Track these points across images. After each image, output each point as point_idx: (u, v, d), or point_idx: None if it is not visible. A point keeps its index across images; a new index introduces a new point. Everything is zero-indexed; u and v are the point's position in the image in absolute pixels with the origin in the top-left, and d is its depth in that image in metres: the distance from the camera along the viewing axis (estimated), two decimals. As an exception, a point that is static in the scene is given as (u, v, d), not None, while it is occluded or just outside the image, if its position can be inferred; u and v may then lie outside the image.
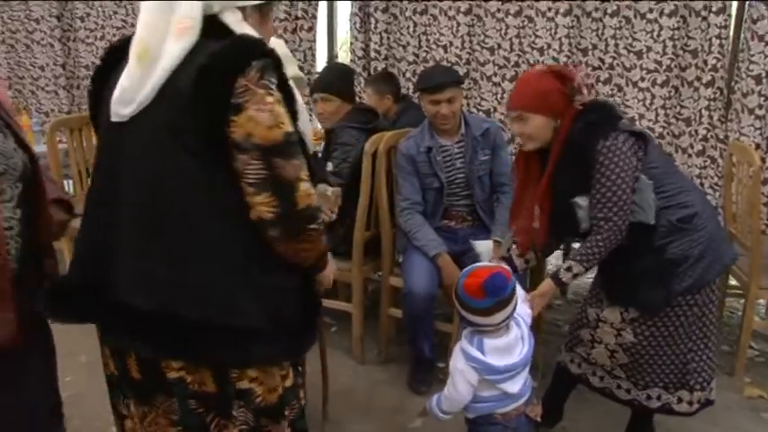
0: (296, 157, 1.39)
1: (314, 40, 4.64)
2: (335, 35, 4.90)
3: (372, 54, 4.37)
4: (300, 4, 4.49)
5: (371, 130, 3.24)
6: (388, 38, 4.34)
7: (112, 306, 1.44)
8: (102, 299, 1.45)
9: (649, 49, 3.66)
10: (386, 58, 4.36)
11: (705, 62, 3.55)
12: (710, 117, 3.57)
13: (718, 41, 3.48)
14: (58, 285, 1.60)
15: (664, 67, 3.65)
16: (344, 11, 4.69)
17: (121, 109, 1.41)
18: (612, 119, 2.25)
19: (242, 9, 1.49)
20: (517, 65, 4.01)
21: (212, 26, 1.41)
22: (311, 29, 4.59)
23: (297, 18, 4.55)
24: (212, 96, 1.34)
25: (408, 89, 4.30)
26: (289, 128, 1.38)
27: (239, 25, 1.45)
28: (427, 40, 4.24)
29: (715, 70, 3.51)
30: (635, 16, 3.66)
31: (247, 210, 1.39)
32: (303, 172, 1.40)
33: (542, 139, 2.30)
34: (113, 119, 1.43)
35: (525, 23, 3.93)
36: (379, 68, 4.34)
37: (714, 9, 3.46)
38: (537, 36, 3.90)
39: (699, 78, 3.59)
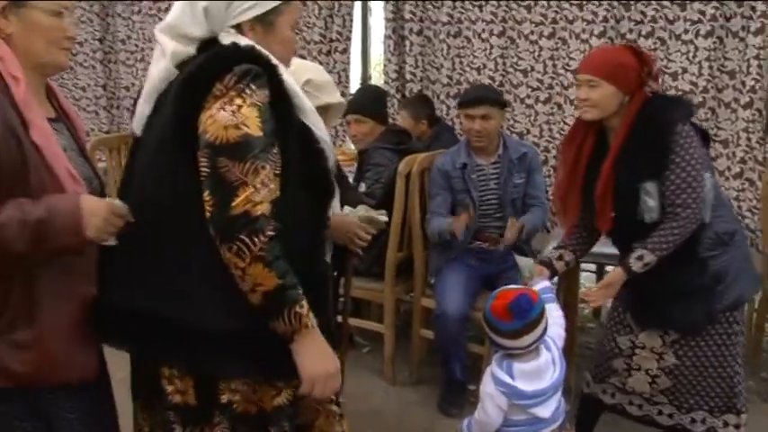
0: (248, 160, 1.33)
1: (348, 62, 4.69)
2: (369, 57, 4.95)
3: (407, 76, 4.39)
4: (335, 27, 4.55)
5: (404, 152, 3.27)
6: (422, 60, 4.37)
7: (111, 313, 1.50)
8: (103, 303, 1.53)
9: (685, 70, 3.63)
10: (420, 80, 4.39)
11: (743, 83, 3.50)
12: (749, 139, 3.52)
13: (756, 62, 3.43)
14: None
15: (700, 89, 3.61)
16: (378, 33, 4.74)
17: (135, 123, 1.58)
18: (689, 107, 2.23)
19: (236, 27, 1.51)
20: (551, 87, 4.00)
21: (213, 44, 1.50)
22: (345, 51, 4.64)
23: (331, 40, 4.60)
24: (188, 101, 1.39)
25: (442, 111, 4.32)
26: (252, 131, 1.35)
27: (236, 39, 1.48)
28: (461, 63, 4.25)
29: (753, 91, 3.46)
30: (670, 37, 3.64)
31: None
32: (257, 179, 1.34)
33: (606, 110, 2.20)
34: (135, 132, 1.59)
35: (559, 45, 3.92)
36: (413, 90, 4.37)
37: (752, 29, 3.42)
38: (570, 58, 3.89)
39: (736, 100, 3.55)
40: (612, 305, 2.43)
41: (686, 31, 3.61)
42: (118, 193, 1.61)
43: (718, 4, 3.48)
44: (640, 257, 2.16)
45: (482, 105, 2.95)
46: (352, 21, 4.60)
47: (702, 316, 2.16)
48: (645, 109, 2.16)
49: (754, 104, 3.48)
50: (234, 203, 1.32)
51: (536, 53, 4.00)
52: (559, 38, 3.92)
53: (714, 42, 3.54)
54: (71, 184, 1.43)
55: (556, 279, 3.51)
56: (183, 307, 1.41)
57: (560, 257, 2.45)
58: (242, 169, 1.33)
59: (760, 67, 3.44)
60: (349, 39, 4.64)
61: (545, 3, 3.89)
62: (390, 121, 3.93)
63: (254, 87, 1.37)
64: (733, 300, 2.17)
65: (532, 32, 3.99)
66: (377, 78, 5.84)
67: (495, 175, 3.08)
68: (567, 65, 3.91)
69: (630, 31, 3.75)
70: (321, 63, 4.64)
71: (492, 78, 4.13)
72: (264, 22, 1.52)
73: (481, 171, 3.08)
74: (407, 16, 4.27)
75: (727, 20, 3.51)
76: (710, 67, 3.57)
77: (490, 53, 4.13)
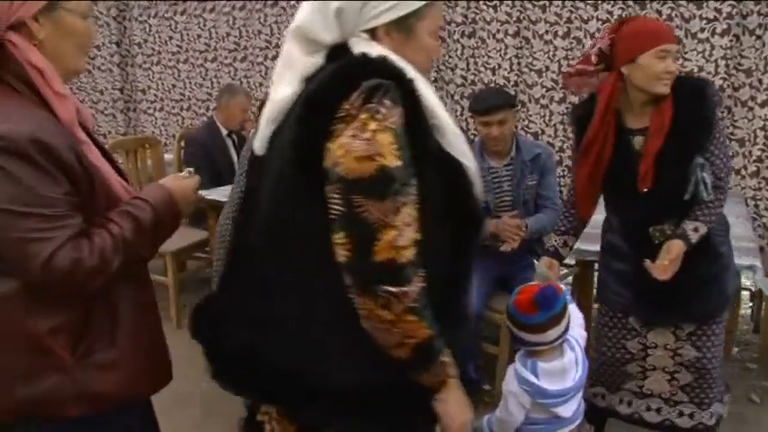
0: (388, 198, 1.14)
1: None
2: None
3: (421, 77, 4.39)
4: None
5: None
6: (437, 60, 4.37)
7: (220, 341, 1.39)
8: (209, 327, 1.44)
9: (701, 68, 3.61)
10: (435, 81, 4.39)
11: (760, 81, 3.48)
12: (766, 137, 3.50)
13: (773, 61, 3.42)
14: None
15: (716, 87, 3.59)
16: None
17: (256, 143, 1.41)
18: None
19: (370, 32, 1.31)
20: (565, 87, 3.99)
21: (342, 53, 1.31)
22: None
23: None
24: (310, 124, 1.21)
25: (456, 112, 4.32)
26: (388, 162, 1.15)
27: (368, 47, 1.28)
28: (475, 63, 4.26)
29: (770, 90, 3.44)
30: (686, 36, 3.62)
31: None
32: (398, 218, 1.15)
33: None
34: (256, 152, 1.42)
35: (573, 45, 3.92)
36: (428, 91, 4.37)
37: (769, 27, 3.41)
38: (586, 57, 3.88)
39: (753, 98, 3.52)
40: (602, 314, 2.41)
41: (702, 30, 3.58)
42: (237, 214, 1.58)
43: (734, 2, 3.46)
44: (696, 229, 2.10)
45: (498, 112, 2.94)
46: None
47: (720, 303, 2.19)
48: (680, 83, 2.10)
49: (771, 103, 3.46)
50: (376, 249, 1.14)
51: (551, 53, 4.00)
52: (574, 37, 3.91)
53: (730, 41, 3.52)
54: (125, 194, 1.42)
55: (570, 279, 3.51)
56: (299, 355, 1.26)
57: (565, 243, 2.43)
58: (382, 208, 1.14)
59: (777, 65, 3.42)
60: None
61: (560, 2, 3.89)
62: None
63: (386, 107, 1.17)
64: (734, 287, 2.19)
65: (547, 32, 3.98)
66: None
67: (507, 177, 3.08)
68: (582, 64, 3.90)
69: (646, 30, 3.74)
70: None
71: (507, 78, 4.13)
72: (402, 26, 1.32)
73: (495, 173, 3.07)
74: (422, 17, 4.27)
75: (744, 18, 3.48)
76: (727, 66, 3.55)
77: (505, 53, 4.13)
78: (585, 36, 3.86)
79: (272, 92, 1.37)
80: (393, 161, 1.16)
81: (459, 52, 4.29)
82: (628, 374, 2.37)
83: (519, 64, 4.12)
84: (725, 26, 3.52)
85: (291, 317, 1.27)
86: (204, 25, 5.23)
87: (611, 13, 3.76)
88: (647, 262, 2.07)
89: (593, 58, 2.17)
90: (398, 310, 1.16)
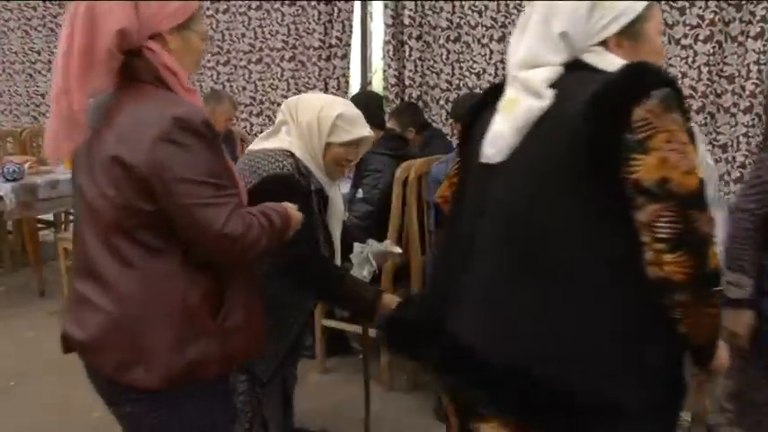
0: (708, 208, 1.17)
1: (347, 68, 4.70)
2: (369, 63, 4.95)
3: (406, 81, 4.39)
4: (335, 32, 4.55)
5: (401, 157, 3.25)
6: (422, 65, 4.36)
7: (454, 351, 1.35)
8: (442, 340, 1.37)
9: (684, 75, 3.62)
10: (419, 86, 4.39)
11: (743, 88, 3.49)
12: (748, 143, 3.50)
13: (756, 67, 3.42)
14: (400, 315, 1.60)
15: (699, 94, 3.60)
16: (378, 39, 4.75)
17: (489, 150, 1.35)
18: None
19: (602, 43, 1.31)
20: (550, 91, 3.99)
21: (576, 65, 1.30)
22: (345, 56, 4.64)
23: (331, 46, 4.61)
24: (607, 131, 1.18)
25: (441, 116, 4.32)
26: (701, 173, 1.17)
27: (603, 59, 1.29)
28: (461, 68, 4.25)
29: (753, 96, 3.44)
30: (669, 42, 3.63)
31: (635, 264, 1.18)
32: (713, 227, 1.18)
33: None
34: (482, 160, 1.36)
35: (558, 50, 3.91)
36: (413, 96, 4.37)
37: (752, 34, 3.41)
38: (570, 63, 3.88)
39: (736, 104, 3.53)
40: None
41: (685, 36, 3.60)
42: (452, 218, 1.55)
43: (717, 9, 3.48)
44: None
45: None
46: (351, 26, 4.61)
47: None
48: None
49: (753, 109, 3.46)
50: (709, 259, 1.16)
51: (535, 58, 3.99)
52: (558, 43, 3.90)
53: (713, 47, 3.53)
54: (243, 190, 1.59)
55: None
56: (572, 373, 1.22)
57: None
58: (707, 219, 1.16)
59: (760, 71, 3.43)
60: (348, 44, 4.64)
61: (544, 8, 3.89)
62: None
63: (681, 115, 1.18)
64: None
65: (531, 37, 3.97)
66: (376, 84, 5.84)
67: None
68: (566, 70, 3.90)
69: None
70: (320, 69, 4.65)
71: (492, 83, 4.12)
72: (631, 33, 1.31)
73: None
74: (407, 21, 4.27)
75: (726, 24, 3.50)
76: (710, 72, 3.56)
77: (490, 58, 4.13)
78: (570, 41, 3.86)
79: (518, 109, 1.31)
80: (701, 171, 1.18)
81: (444, 57, 4.28)
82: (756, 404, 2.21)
83: (504, 69, 4.10)
84: (707, 32, 3.54)
85: (565, 334, 1.23)
86: (188, 28, 5.17)
87: (595, 18, 3.75)
88: None
89: None
90: (718, 303, 1.21)
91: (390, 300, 2.05)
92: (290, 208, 1.68)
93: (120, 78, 1.46)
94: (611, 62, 1.27)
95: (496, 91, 1.43)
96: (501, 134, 1.32)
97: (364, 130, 2.14)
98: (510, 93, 1.34)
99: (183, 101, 1.45)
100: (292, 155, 2.05)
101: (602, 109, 1.18)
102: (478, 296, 1.32)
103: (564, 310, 1.22)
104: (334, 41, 4.59)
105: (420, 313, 1.49)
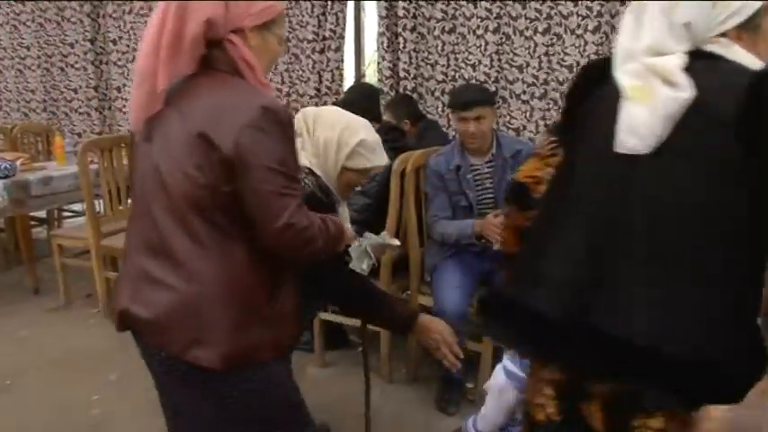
0: None
1: (341, 60, 4.67)
2: (363, 55, 4.92)
3: (401, 73, 4.37)
4: (328, 25, 4.52)
5: (399, 149, 3.24)
6: (417, 57, 4.34)
7: (590, 340, 1.34)
8: (576, 329, 1.36)
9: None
10: (414, 78, 4.36)
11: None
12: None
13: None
14: (509, 296, 1.53)
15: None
16: (372, 31, 4.72)
17: (631, 140, 1.33)
18: None
19: (722, 35, 1.35)
20: (546, 83, 3.98)
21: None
22: (338, 49, 4.61)
23: (324, 38, 4.58)
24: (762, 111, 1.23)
25: (437, 108, 4.30)
26: None
27: (731, 50, 1.33)
28: (456, 59, 4.23)
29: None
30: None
31: None
32: None
33: None
34: (620, 149, 1.34)
35: (554, 41, 3.91)
36: (408, 88, 4.35)
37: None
38: (566, 53, 3.88)
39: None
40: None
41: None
42: (553, 200, 1.52)
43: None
44: None
45: (474, 108, 2.91)
46: (345, 18, 4.58)
47: None
48: None
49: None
50: None
51: (531, 49, 3.98)
52: (554, 33, 3.90)
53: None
54: None
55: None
56: (695, 342, 1.28)
57: None
58: None
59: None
60: (342, 37, 4.61)
61: (539, -2, 3.89)
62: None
63: None
64: None
65: (527, 28, 3.97)
66: (371, 76, 5.82)
67: (489, 175, 3.06)
68: (563, 60, 3.89)
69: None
70: (314, 61, 4.62)
71: (487, 75, 4.11)
72: (749, 26, 1.36)
73: (476, 171, 3.05)
74: (401, 13, 4.25)
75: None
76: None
77: (485, 49, 4.11)
78: (566, 32, 3.85)
79: (663, 101, 1.31)
80: None
81: (439, 48, 4.26)
82: None
83: (500, 60, 4.10)
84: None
85: (726, 324, 1.29)
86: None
87: (590, 9, 3.75)
88: None
89: None
90: None
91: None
92: (348, 227, 1.78)
93: (199, 66, 1.55)
94: (741, 54, 1.31)
95: (595, 72, 1.48)
96: (643, 123, 1.31)
97: (383, 159, 2.08)
98: (631, 79, 1.36)
99: (265, 92, 1.54)
100: (312, 172, 1.99)
101: (763, 100, 1.23)
102: (641, 292, 1.31)
103: (724, 302, 1.28)
104: (327, 34, 4.56)
105: (538, 301, 1.42)
